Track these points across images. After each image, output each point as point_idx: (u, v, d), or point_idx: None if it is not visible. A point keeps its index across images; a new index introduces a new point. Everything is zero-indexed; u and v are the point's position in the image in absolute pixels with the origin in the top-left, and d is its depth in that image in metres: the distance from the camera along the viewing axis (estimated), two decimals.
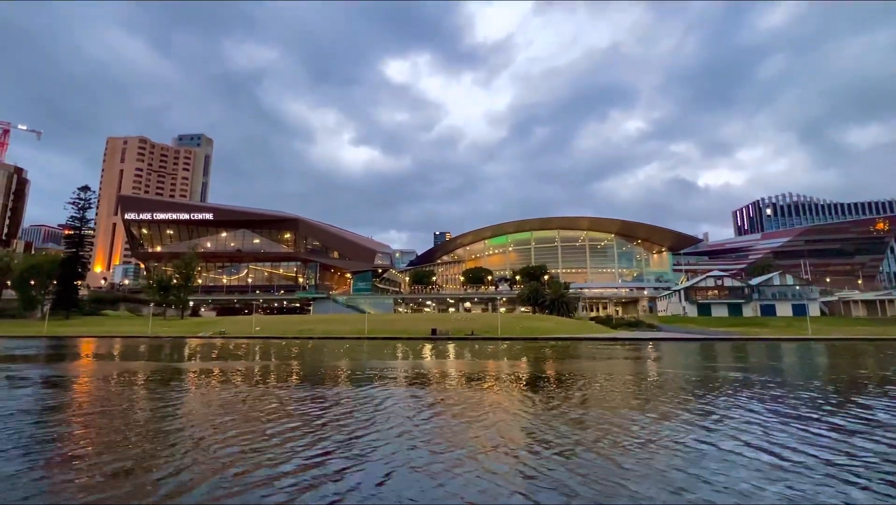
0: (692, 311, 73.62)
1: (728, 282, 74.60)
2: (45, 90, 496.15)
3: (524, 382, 15.54)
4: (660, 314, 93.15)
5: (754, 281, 75.70)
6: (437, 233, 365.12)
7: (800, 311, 69.75)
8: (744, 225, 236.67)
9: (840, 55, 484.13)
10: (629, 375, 18.37)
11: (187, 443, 7.39)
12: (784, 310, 70.56)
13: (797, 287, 73.76)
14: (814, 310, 69.55)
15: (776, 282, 72.99)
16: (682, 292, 77.96)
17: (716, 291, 74.57)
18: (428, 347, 38.26)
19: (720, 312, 72.25)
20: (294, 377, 17.24)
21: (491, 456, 6.74)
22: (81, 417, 9.77)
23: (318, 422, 9.11)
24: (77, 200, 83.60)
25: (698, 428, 8.61)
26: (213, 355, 28.71)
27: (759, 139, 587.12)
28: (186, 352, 31.86)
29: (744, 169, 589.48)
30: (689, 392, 13.39)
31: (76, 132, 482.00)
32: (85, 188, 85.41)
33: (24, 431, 8.16)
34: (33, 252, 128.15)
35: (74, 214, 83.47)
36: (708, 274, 78.08)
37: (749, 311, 71.79)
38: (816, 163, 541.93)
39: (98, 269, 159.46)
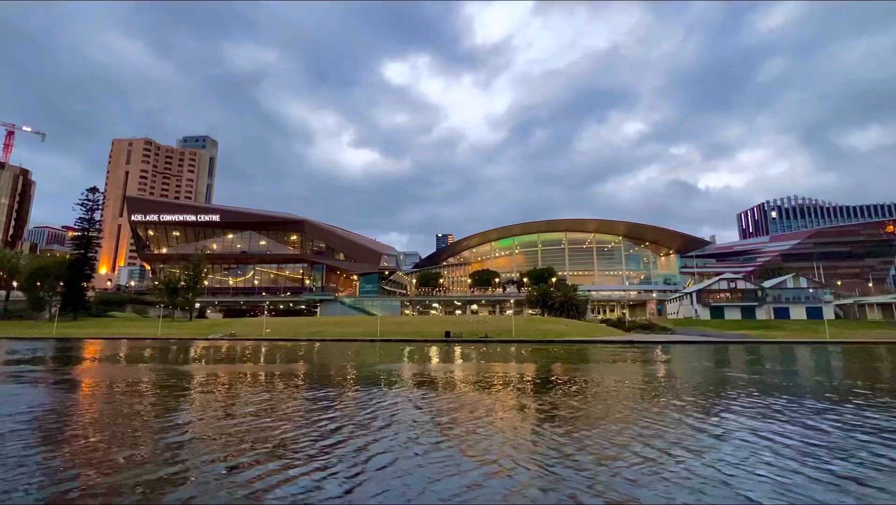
0: (704, 313, 73.04)
1: (741, 284, 74.04)
2: (43, 91, 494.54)
3: (611, 391, 15.06)
4: (670, 317, 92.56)
5: (767, 284, 75.10)
6: (440, 235, 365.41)
7: (814, 314, 69.17)
8: (749, 228, 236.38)
9: (840, 58, 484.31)
10: (687, 380, 17.90)
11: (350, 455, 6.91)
12: (798, 313, 69.92)
13: (810, 290, 73.17)
14: (828, 313, 68.95)
15: (790, 284, 72.40)
16: (693, 295, 77.38)
17: (728, 294, 73.99)
18: (447, 350, 37.75)
19: (733, 314, 71.66)
20: (352, 380, 16.78)
21: None
22: (201, 425, 9.33)
23: (431, 427, 8.69)
24: (85, 202, 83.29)
25: None
26: (245, 358, 28.28)
27: (760, 142, 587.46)
28: (212, 354, 31.40)
29: (744, 171, 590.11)
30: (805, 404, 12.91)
31: (76, 134, 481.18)
32: (93, 189, 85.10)
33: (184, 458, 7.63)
34: (38, 254, 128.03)
35: (83, 216, 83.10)
36: (721, 277, 77.49)
37: (762, 314, 71.19)
38: (817, 165, 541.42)
39: (103, 270, 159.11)
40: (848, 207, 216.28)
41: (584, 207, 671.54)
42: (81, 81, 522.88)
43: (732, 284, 73.89)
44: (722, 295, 73.69)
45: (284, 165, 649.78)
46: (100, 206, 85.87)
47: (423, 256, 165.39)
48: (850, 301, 73.25)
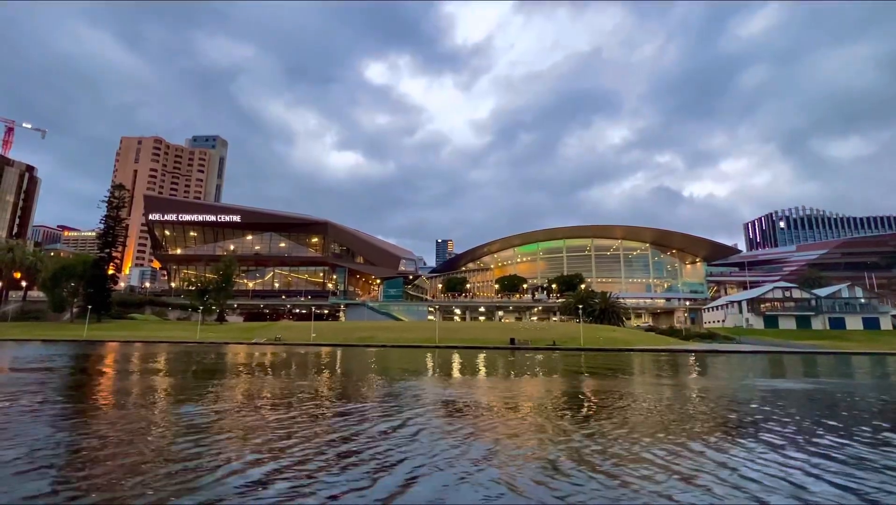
0: (758, 322, 71.04)
1: (795, 293, 72.27)
2: (8, 84, 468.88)
3: None
4: (706, 325, 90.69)
5: (821, 293, 73.47)
6: (440, 241, 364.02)
7: (870, 324, 67.63)
8: (756, 237, 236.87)
9: (820, 67, 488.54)
10: None
11: None
12: (854, 323, 68.26)
13: (862, 300, 71.72)
14: (885, 323, 67.49)
15: (845, 294, 70.88)
16: (744, 303, 75.47)
17: (780, 303, 72.22)
18: (532, 358, 35.10)
19: (788, 324, 69.79)
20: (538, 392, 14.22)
21: None
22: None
23: None
24: (111, 199, 79.92)
25: None
26: (350, 367, 25.50)
27: (743, 151, 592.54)
28: (311, 363, 28.54)
29: (727, 180, 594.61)
30: None
31: (51, 130, 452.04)
32: (119, 186, 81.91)
33: None
34: (42, 252, 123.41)
35: (108, 213, 79.65)
36: (775, 285, 75.79)
37: (818, 323, 69.43)
38: (799, 175, 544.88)
39: (110, 271, 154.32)
40: (855, 218, 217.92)
41: (572, 214, 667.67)
42: (48, 74, 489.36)
43: (787, 293, 72.12)
44: (776, 304, 71.87)
45: (266, 166, 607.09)
46: (125, 204, 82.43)
47: (426, 261, 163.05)
48: None
